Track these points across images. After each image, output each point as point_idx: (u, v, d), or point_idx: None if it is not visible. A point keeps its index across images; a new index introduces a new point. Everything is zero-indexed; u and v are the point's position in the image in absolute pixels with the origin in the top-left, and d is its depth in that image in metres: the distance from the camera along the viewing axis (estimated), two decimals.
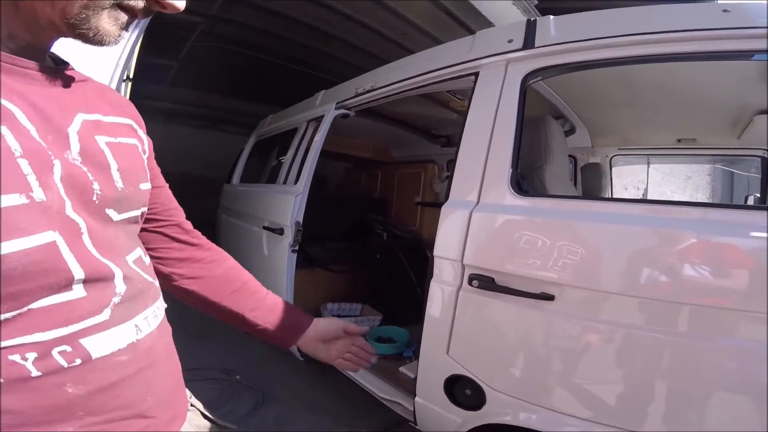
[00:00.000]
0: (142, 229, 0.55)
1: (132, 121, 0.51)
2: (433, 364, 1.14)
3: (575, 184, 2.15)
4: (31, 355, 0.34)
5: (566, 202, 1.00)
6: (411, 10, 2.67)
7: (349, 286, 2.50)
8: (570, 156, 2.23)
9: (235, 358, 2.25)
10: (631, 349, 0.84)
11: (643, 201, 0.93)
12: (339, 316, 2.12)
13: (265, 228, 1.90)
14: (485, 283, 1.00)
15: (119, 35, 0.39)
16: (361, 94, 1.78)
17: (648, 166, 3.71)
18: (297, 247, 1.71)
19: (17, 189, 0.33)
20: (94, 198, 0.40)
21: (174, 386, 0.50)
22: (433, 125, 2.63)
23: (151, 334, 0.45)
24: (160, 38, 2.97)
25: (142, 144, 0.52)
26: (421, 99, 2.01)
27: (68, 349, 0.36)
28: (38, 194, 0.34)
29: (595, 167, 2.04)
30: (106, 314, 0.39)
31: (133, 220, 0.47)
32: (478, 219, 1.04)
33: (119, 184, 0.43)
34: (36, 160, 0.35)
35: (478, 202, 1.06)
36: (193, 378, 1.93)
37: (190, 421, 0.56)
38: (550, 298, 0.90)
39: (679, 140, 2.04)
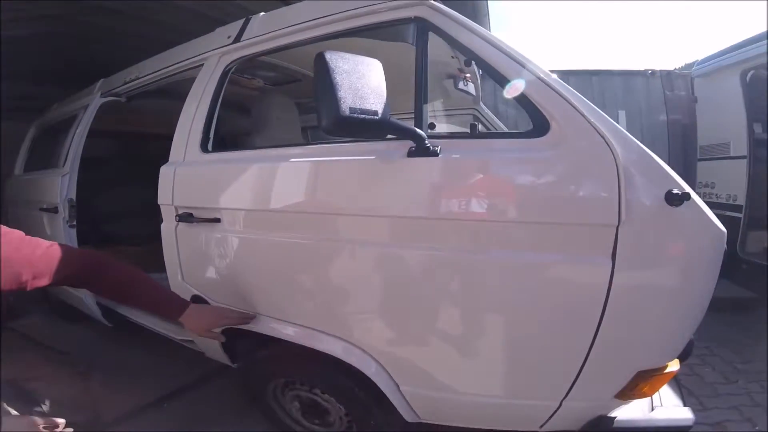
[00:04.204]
0: None
1: None
2: (180, 292, 1.46)
3: None
4: None
5: (231, 154, 1.40)
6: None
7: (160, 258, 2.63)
8: None
9: None
10: (283, 255, 1.23)
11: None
12: None
13: (42, 209, 1.98)
14: (188, 217, 1.39)
15: None
16: (128, 82, 1.99)
17: None
18: (74, 223, 1.86)
19: None
20: None
21: None
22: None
23: None
24: None
25: None
26: None
27: None
28: None
29: None
30: None
31: None
32: (180, 171, 1.42)
33: None
34: None
35: (184, 160, 1.44)
36: None
37: None
38: (218, 221, 1.32)
39: None
